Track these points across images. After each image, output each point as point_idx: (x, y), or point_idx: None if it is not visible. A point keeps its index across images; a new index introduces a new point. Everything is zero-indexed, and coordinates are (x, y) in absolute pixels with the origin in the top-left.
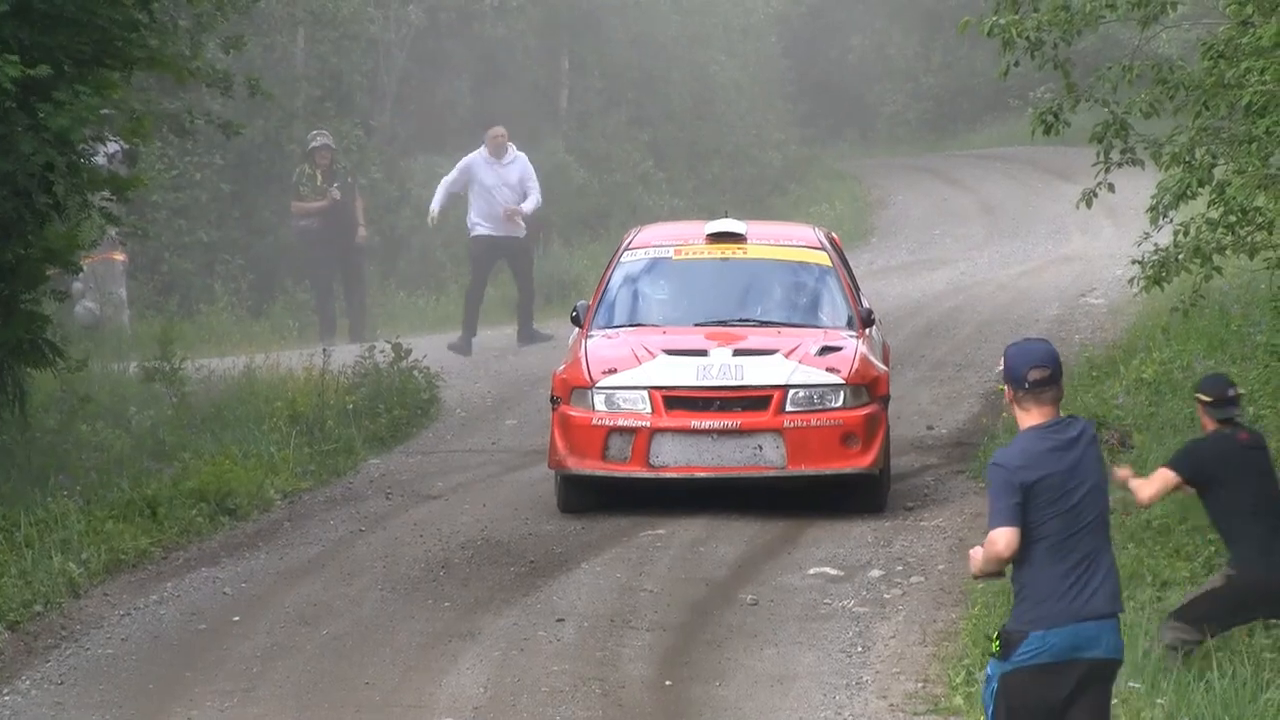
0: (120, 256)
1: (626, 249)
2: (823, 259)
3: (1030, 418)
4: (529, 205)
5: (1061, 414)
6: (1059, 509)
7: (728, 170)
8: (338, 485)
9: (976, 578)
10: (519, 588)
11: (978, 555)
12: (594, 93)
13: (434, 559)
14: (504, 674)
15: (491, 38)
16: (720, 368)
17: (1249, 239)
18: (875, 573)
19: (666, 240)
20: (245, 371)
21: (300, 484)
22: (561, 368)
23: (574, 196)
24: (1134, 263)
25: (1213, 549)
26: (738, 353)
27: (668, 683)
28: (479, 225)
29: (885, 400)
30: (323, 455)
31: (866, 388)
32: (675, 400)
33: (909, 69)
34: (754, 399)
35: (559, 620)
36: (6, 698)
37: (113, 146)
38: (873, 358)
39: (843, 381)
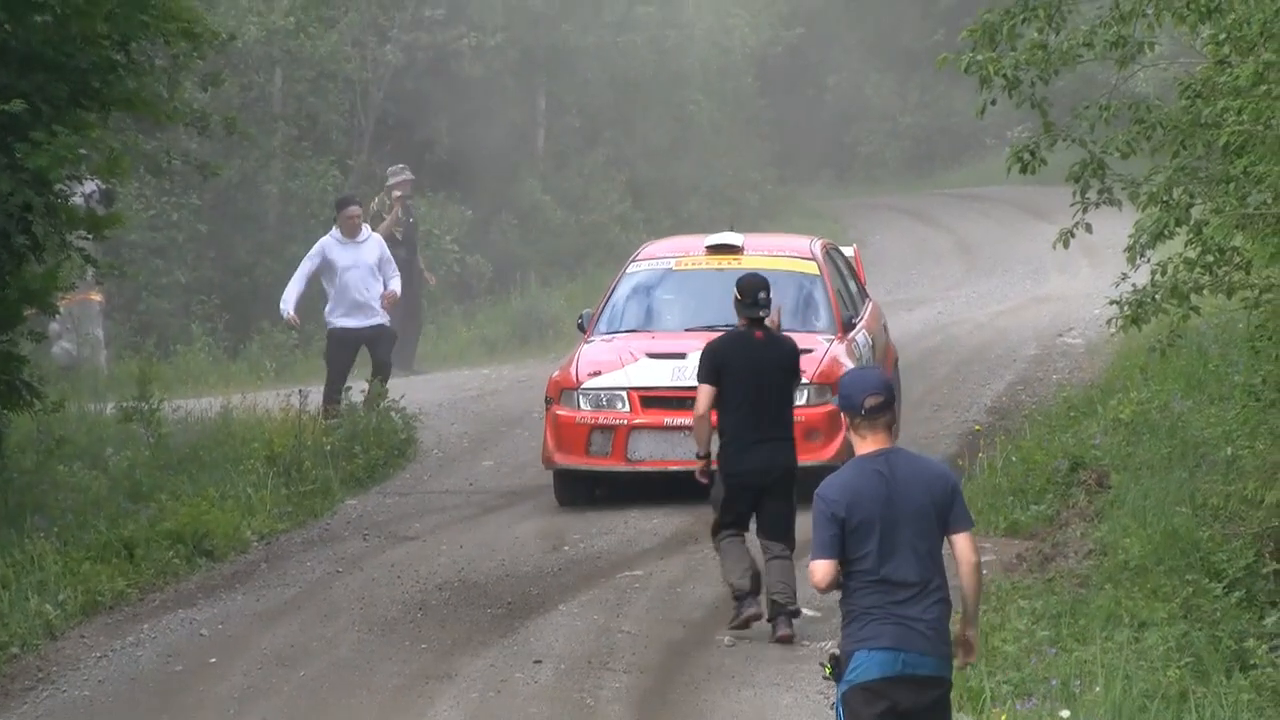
0: (97, 297)
1: (633, 261)
2: (811, 268)
3: (864, 445)
4: (397, 288)
5: (895, 444)
6: (875, 540)
7: (705, 209)
8: (315, 526)
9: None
10: (496, 629)
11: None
12: (571, 132)
13: (411, 600)
14: (481, 716)
15: (469, 77)
16: (693, 369)
17: (1227, 279)
18: None
19: (670, 252)
20: (222, 412)
21: (277, 525)
22: (557, 371)
23: (551, 236)
24: (1111, 302)
25: (1190, 590)
26: None
27: None
28: (337, 316)
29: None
30: (300, 496)
31: (831, 387)
32: (651, 399)
33: (886, 108)
34: None
35: (536, 662)
36: None
37: (90, 186)
38: (844, 359)
39: (807, 381)
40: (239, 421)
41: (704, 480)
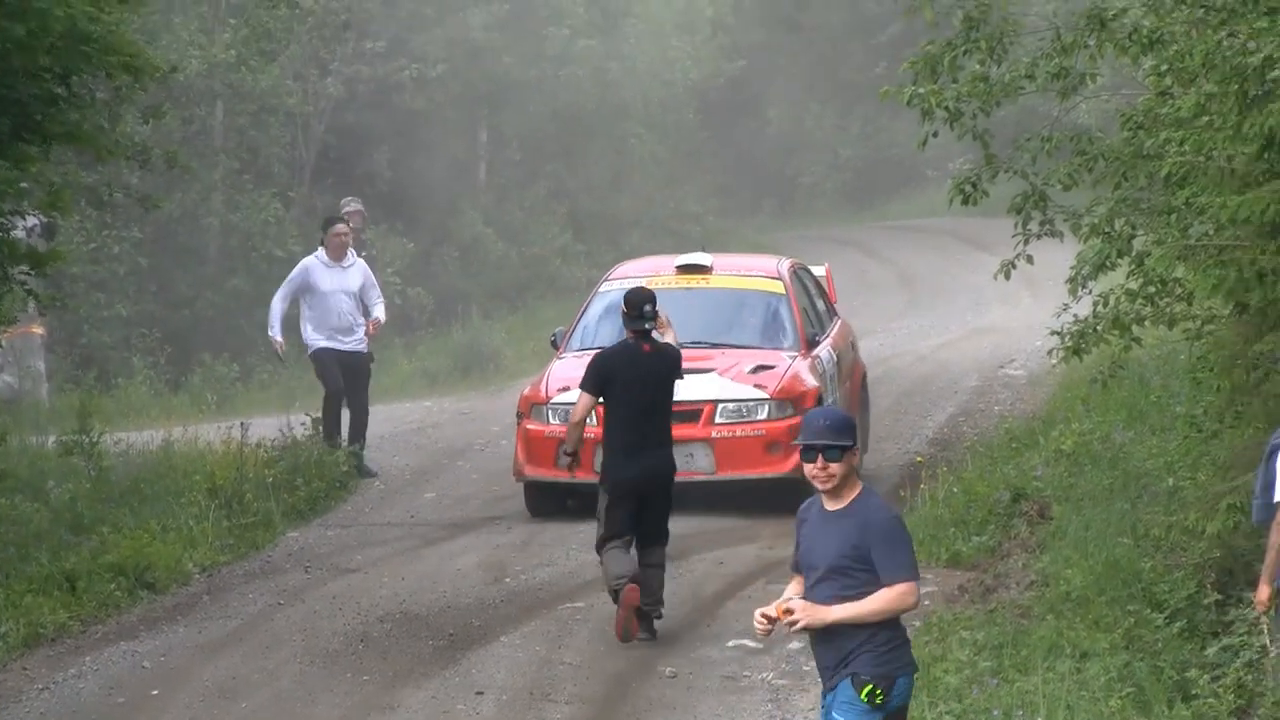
0: (39, 330)
1: (605, 281)
2: (777, 288)
3: None
4: (381, 315)
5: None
6: None
7: (647, 242)
8: (256, 559)
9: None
10: (438, 661)
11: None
12: (513, 165)
13: (353, 632)
14: None
15: (410, 110)
16: None
17: (1168, 310)
18: (794, 645)
19: (641, 273)
20: (163, 445)
21: (219, 557)
22: (527, 387)
23: (492, 269)
24: (1053, 334)
25: (1132, 620)
26: None
27: None
28: (317, 339)
29: (800, 412)
30: (241, 529)
31: (792, 402)
32: None
33: (827, 140)
34: (687, 412)
35: (478, 693)
36: None
37: (31, 220)
38: (806, 375)
39: (767, 396)
40: (180, 454)
41: (567, 458)
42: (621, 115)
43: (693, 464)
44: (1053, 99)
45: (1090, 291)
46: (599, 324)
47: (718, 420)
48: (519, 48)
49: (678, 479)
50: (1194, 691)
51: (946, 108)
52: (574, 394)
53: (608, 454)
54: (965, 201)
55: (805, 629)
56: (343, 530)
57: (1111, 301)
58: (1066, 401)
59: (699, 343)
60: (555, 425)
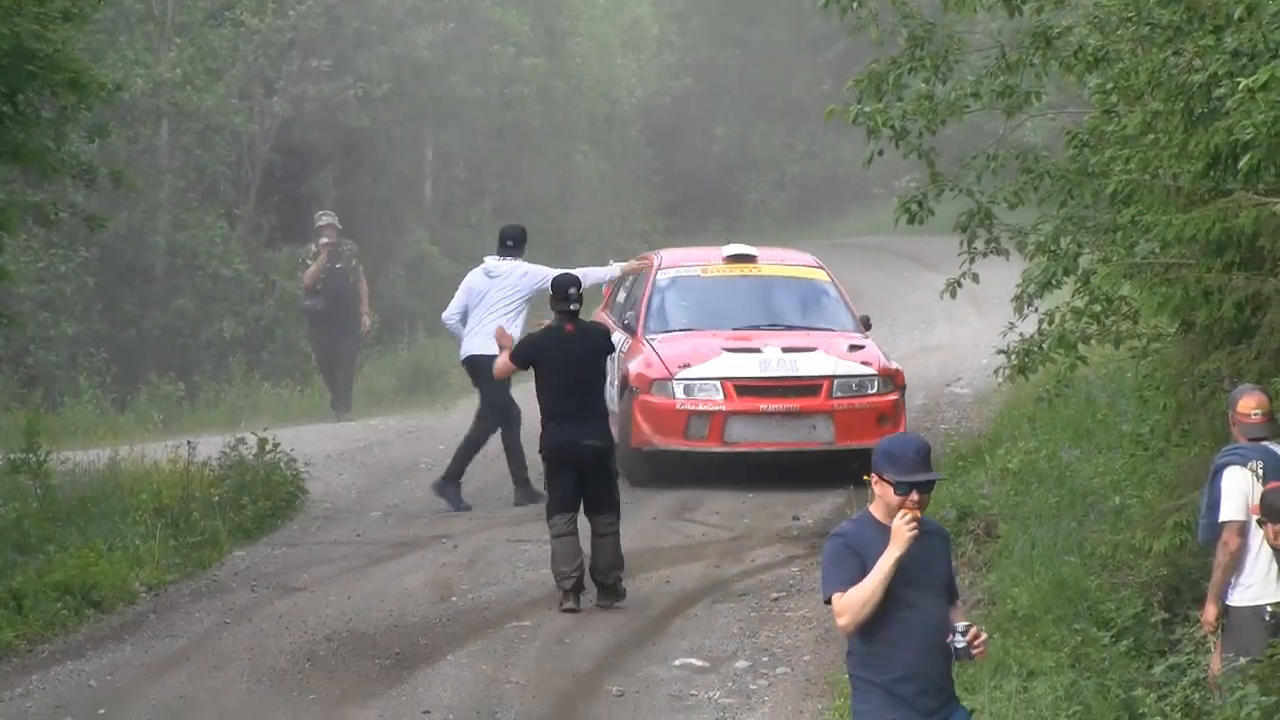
0: None
1: (659, 269)
2: (823, 276)
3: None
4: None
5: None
6: None
7: (592, 259)
8: (203, 577)
9: None
10: (385, 680)
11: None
12: (458, 183)
13: (299, 651)
14: None
15: (356, 128)
16: (777, 361)
17: (1114, 328)
18: (741, 664)
19: (691, 262)
20: (110, 464)
21: (165, 576)
22: (631, 365)
23: (439, 287)
24: (999, 352)
25: (1079, 639)
26: (786, 350)
27: None
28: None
29: (903, 390)
30: (188, 548)
31: (891, 378)
32: (744, 388)
33: (773, 158)
34: (808, 386)
35: (425, 713)
36: None
37: None
38: (887, 355)
39: (875, 372)
40: (127, 473)
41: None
42: (567, 133)
43: (815, 434)
44: (998, 117)
45: (1036, 310)
46: (669, 307)
47: (835, 394)
48: (464, 66)
49: (801, 447)
50: (1141, 710)
51: (892, 126)
52: (698, 369)
53: (542, 424)
54: (911, 220)
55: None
56: (289, 549)
57: (1057, 320)
58: (1013, 420)
59: (775, 325)
60: (683, 398)
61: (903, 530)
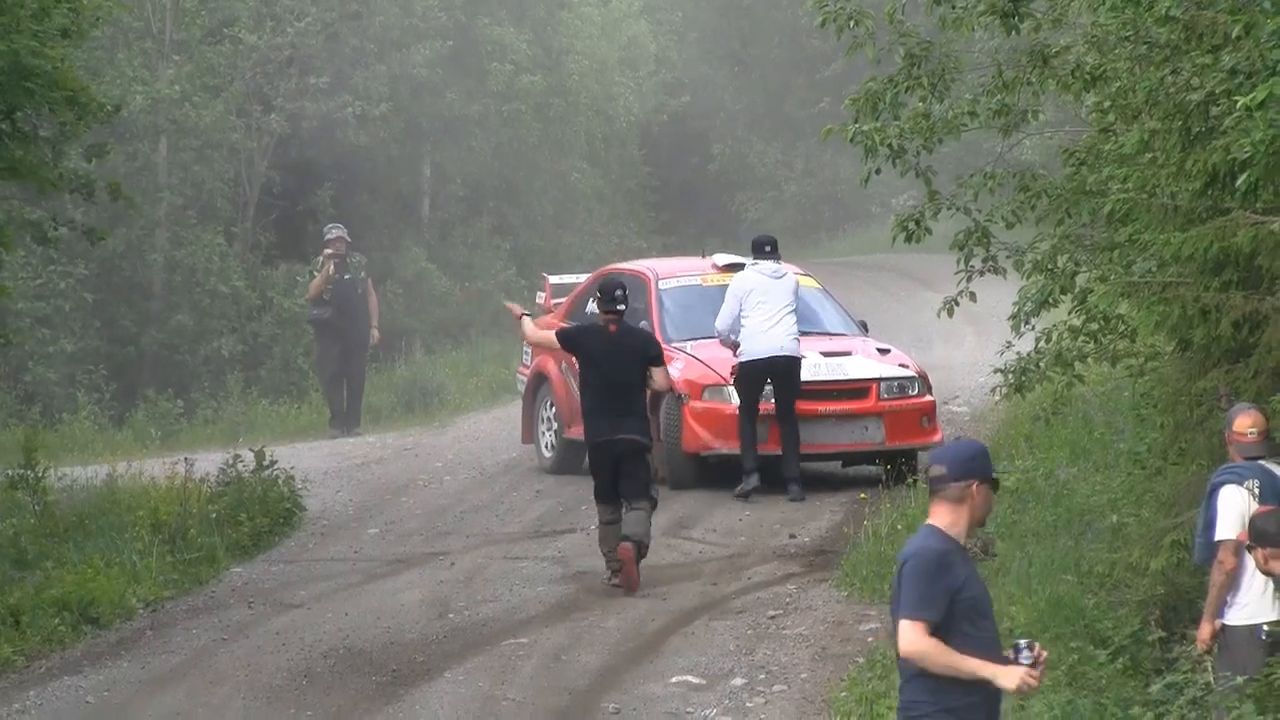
0: None
1: (659, 280)
2: (814, 283)
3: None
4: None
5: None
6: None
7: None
8: (200, 594)
9: None
10: (381, 697)
11: None
12: (456, 201)
13: (296, 668)
14: None
15: (354, 146)
16: (826, 366)
17: (1111, 347)
18: (738, 681)
19: (687, 271)
20: (108, 480)
21: (163, 593)
22: (678, 373)
23: (436, 305)
24: (996, 370)
25: (1076, 657)
26: (824, 354)
27: None
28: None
29: (931, 390)
30: (185, 564)
31: (925, 379)
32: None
33: (771, 177)
34: (858, 389)
35: None
36: None
37: None
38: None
39: (914, 374)
40: (125, 489)
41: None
42: (565, 151)
43: (866, 435)
44: (996, 136)
45: (1033, 328)
46: (679, 316)
47: (883, 396)
48: (462, 84)
49: (855, 449)
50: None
51: (889, 145)
52: None
53: (583, 417)
54: (909, 238)
55: None
56: (286, 566)
57: (1054, 338)
58: (1010, 438)
59: (807, 332)
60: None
61: (1026, 681)
